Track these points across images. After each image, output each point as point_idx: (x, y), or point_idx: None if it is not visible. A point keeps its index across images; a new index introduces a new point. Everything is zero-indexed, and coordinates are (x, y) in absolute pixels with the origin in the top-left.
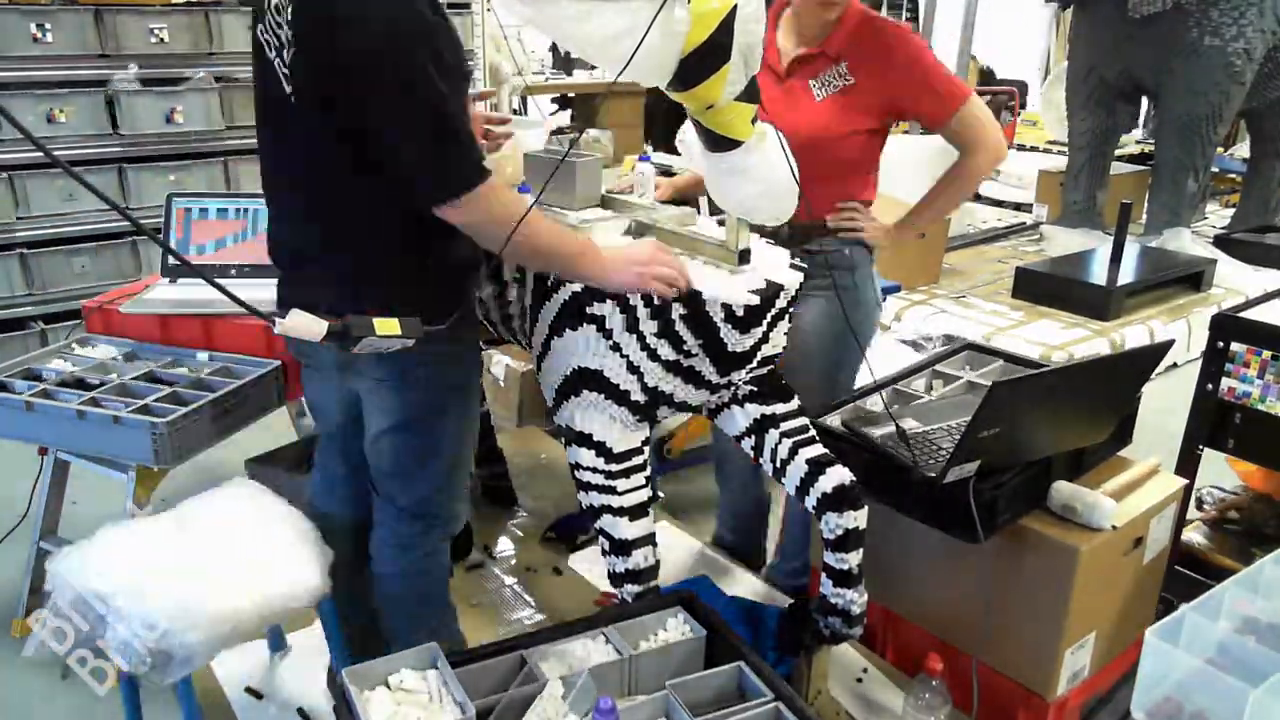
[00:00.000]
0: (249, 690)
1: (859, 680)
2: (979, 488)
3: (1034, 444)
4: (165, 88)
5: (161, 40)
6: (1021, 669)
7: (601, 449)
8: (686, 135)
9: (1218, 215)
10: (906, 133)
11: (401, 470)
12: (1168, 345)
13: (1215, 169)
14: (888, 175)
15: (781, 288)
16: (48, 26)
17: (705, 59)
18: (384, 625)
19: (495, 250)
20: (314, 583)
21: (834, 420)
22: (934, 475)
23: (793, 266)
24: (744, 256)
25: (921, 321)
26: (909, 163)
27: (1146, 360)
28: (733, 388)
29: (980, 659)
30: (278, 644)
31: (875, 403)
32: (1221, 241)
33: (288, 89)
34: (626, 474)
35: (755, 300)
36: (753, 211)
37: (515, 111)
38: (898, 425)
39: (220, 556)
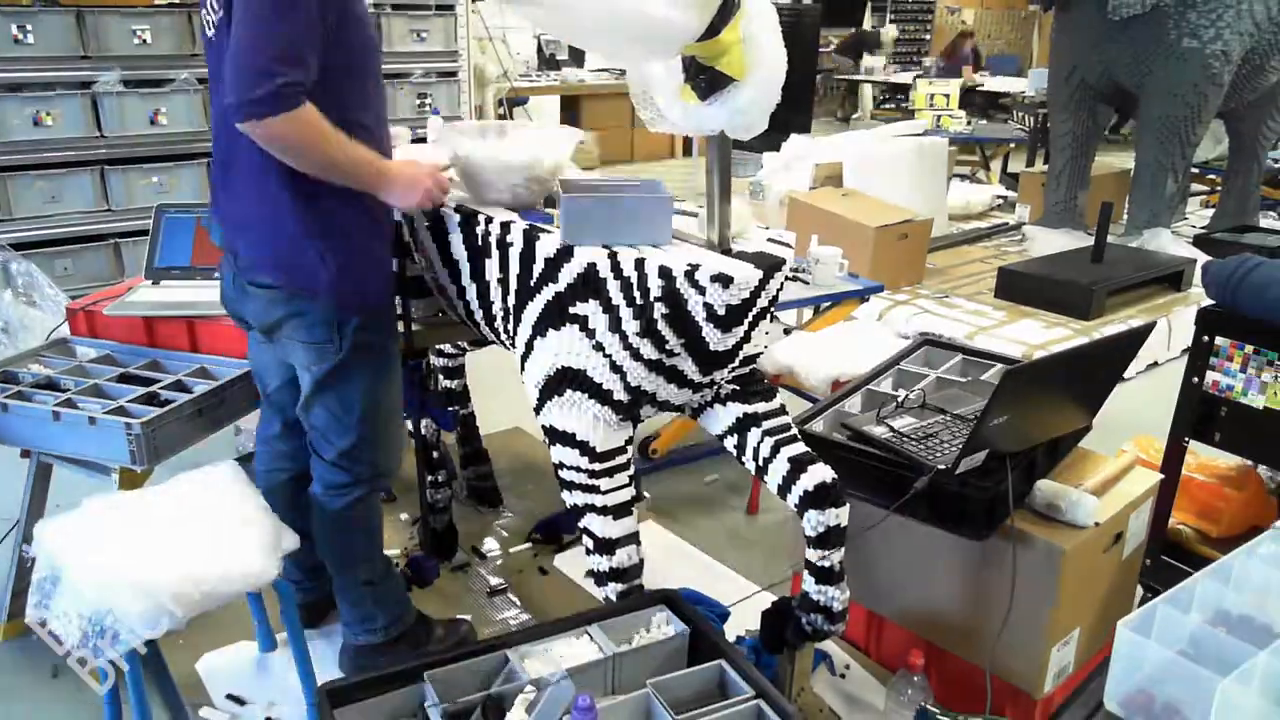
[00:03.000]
0: (230, 697)
1: (841, 677)
2: (983, 485)
3: (1033, 430)
4: (149, 89)
5: (144, 41)
6: (1008, 668)
7: (585, 448)
8: (662, 103)
9: (1198, 215)
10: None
11: (323, 425)
12: (1150, 327)
13: (1195, 169)
14: (869, 175)
15: (783, 261)
16: (29, 28)
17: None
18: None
19: (296, 166)
20: (254, 569)
21: (819, 426)
22: (945, 468)
23: (780, 242)
24: (726, 252)
25: (904, 322)
26: (884, 160)
27: (1133, 341)
28: (715, 387)
29: (965, 658)
30: (268, 644)
31: (853, 405)
32: (1201, 241)
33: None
34: (610, 473)
35: (759, 275)
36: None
37: (500, 116)
38: (891, 428)
39: (168, 535)
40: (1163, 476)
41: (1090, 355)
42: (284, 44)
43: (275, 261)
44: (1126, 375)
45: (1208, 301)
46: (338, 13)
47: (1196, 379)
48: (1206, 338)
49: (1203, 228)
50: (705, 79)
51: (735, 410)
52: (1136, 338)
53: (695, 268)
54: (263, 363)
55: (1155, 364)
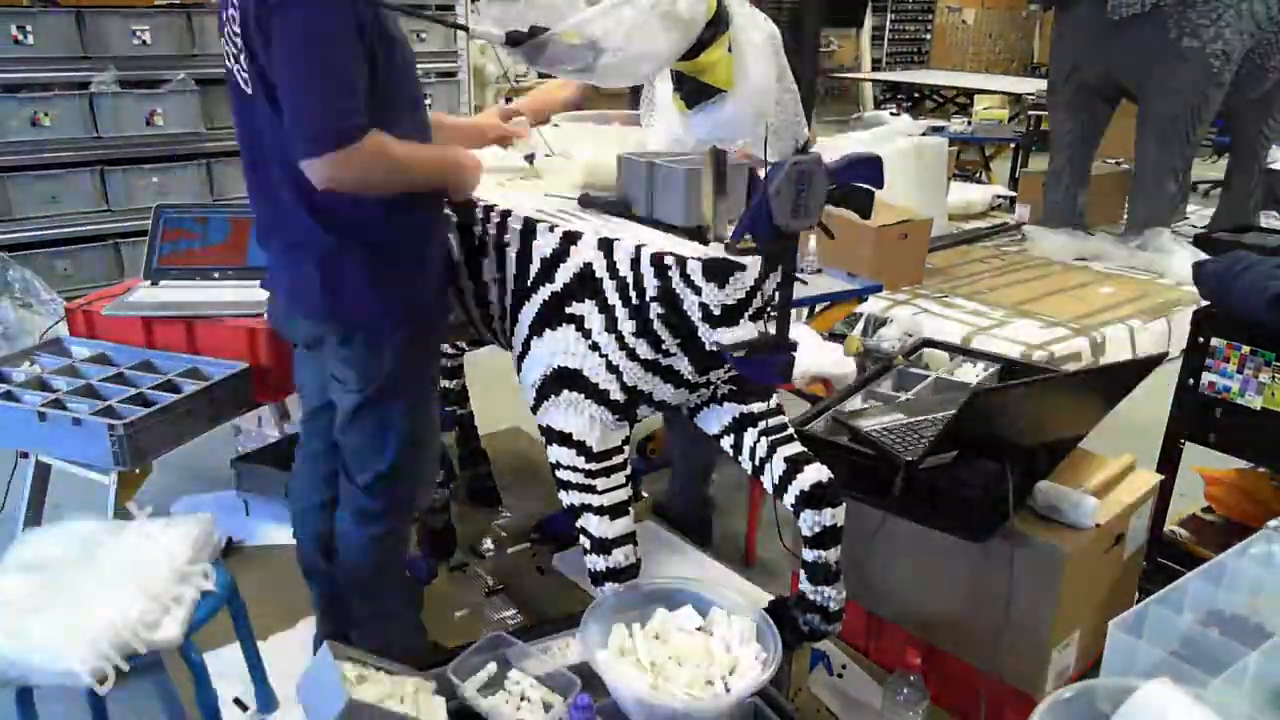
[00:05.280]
0: (237, 702)
1: (839, 676)
2: (983, 486)
3: (1011, 441)
4: (145, 90)
5: (144, 42)
6: (1010, 670)
7: (581, 448)
8: (658, 104)
9: (1198, 215)
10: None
11: (359, 448)
12: (1160, 358)
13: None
14: None
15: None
16: (28, 29)
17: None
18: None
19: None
20: (170, 634)
21: (818, 427)
22: (911, 459)
23: None
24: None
25: (904, 322)
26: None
27: (1135, 371)
28: (711, 387)
29: (965, 659)
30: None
31: (853, 404)
32: (1201, 241)
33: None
34: (606, 473)
35: (755, 274)
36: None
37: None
38: (877, 422)
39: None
40: (1163, 477)
41: (1081, 382)
42: (338, 82)
43: (312, 289)
44: None
45: (1206, 303)
46: (378, 40)
47: (1192, 380)
48: (1202, 339)
49: (1203, 227)
50: (691, 89)
51: (731, 410)
52: (1145, 366)
53: (690, 265)
54: (306, 380)
55: None
